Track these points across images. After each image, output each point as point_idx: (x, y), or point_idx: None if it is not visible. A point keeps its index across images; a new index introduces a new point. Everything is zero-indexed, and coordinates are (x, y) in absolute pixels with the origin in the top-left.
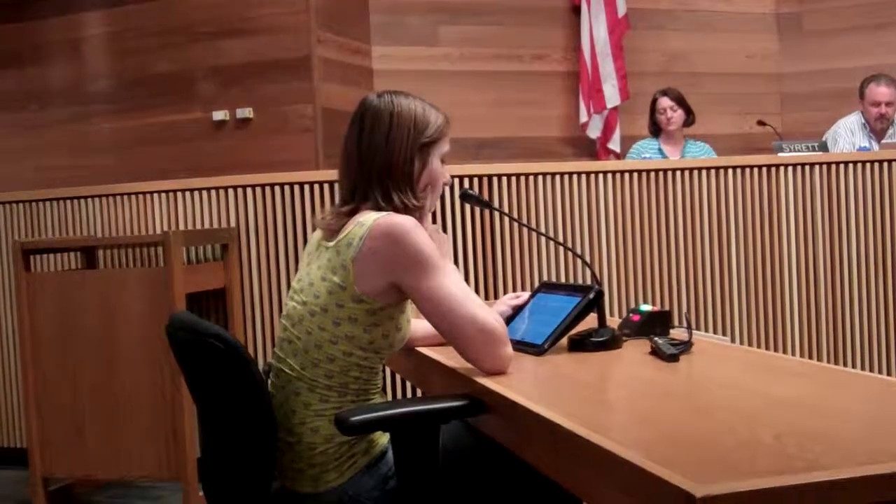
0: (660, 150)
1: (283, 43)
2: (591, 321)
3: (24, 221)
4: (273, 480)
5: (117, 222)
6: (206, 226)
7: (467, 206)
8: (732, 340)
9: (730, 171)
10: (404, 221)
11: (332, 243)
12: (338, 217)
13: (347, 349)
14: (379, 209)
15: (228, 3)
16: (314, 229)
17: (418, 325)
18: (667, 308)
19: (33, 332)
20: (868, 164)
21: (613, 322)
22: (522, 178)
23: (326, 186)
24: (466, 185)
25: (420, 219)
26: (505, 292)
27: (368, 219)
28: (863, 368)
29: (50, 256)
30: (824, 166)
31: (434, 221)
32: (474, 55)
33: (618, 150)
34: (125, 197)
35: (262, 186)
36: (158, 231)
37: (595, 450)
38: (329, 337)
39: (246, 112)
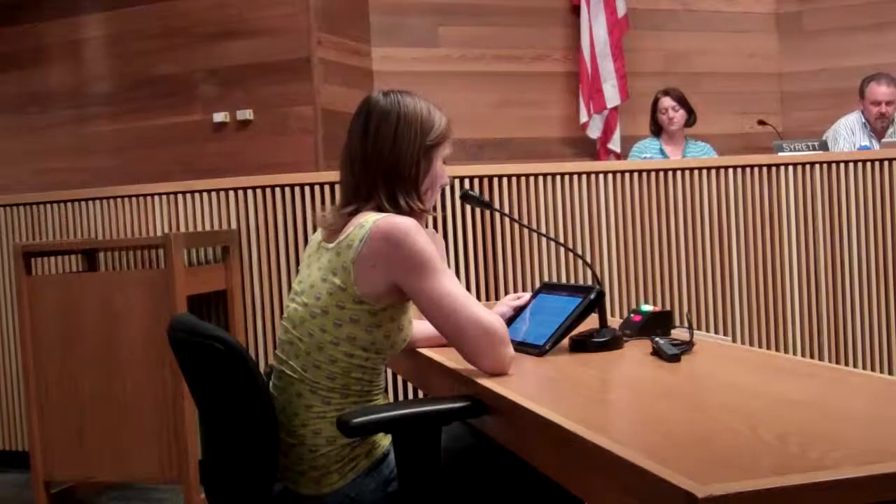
0: (661, 150)
1: (283, 44)
2: (592, 322)
3: (24, 224)
4: (275, 482)
5: (118, 224)
6: (207, 228)
7: (468, 207)
8: (734, 340)
9: (730, 170)
10: (404, 223)
11: (332, 245)
12: (339, 217)
13: (349, 350)
14: (381, 210)
15: (228, 5)
16: (315, 229)
17: (419, 327)
18: (668, 308)
19: (34, 334)
20: (868, 164)
21: (615, 322)
22: (523, 179)
23: (327, 188)
24: (467, 185)
25: (420, 218)
26: (506, 293)
27: (368, 220)
28: (864, 367)
29: (51, 259)
30: (825, 166)
31: (427, 226)
32: (474, 56)
33: (618, 150)
34: (126, 199)
35: (263, 188)
36: (159, 233)
37: (597, 450)
38: (330, 338)
39: (246, 114)
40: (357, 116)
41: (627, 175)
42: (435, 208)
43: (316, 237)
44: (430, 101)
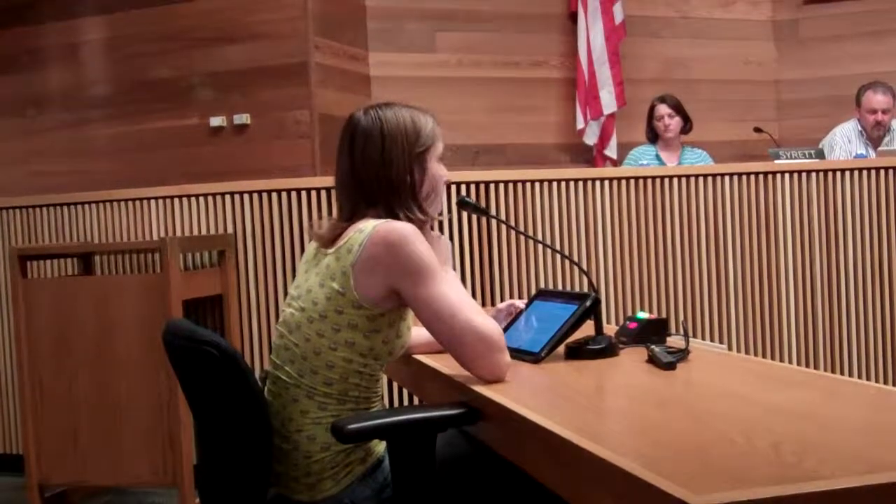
0: (657, 156)
1: (280, 49)
2: (587, 329)
3: (20, 227)
4: (269, 488)
5: (114, 228)
6: (204, 232)
7: (464, 213)
8: (729, 348)
9: (727, 178)
10: (404, 228)
11: (331, 250)
12: (337, 228)
13: (347, 355)
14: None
15: (226, 10)
16: (311, 239)
17: (416, 333)
18: (664, 316)
19: (30, 338)
20: (865, 172)
21: (610, 330)
22: (519, 185)
23: (324, 192)
24: (463, 191)
25: (422, 225)
26: (502, 299)
27: (368, 226)
28: (860, 376)
29: (47, 262)
30: (821, 173)
31: (433, 228)
32: (471, 62)
33: (614, 156)
34: (122, 203)
35: (260, 192)
36: (155, 237)
37: (591, 459)
38: (328, 343)
39: (243, 118)
40: (342, 140)
41: (624, 182)
42: (442, 211)
43: (314, 243)
44: (413, 106)
